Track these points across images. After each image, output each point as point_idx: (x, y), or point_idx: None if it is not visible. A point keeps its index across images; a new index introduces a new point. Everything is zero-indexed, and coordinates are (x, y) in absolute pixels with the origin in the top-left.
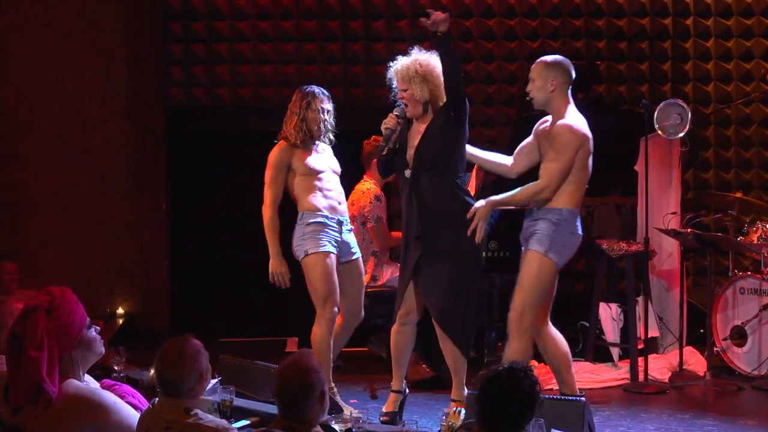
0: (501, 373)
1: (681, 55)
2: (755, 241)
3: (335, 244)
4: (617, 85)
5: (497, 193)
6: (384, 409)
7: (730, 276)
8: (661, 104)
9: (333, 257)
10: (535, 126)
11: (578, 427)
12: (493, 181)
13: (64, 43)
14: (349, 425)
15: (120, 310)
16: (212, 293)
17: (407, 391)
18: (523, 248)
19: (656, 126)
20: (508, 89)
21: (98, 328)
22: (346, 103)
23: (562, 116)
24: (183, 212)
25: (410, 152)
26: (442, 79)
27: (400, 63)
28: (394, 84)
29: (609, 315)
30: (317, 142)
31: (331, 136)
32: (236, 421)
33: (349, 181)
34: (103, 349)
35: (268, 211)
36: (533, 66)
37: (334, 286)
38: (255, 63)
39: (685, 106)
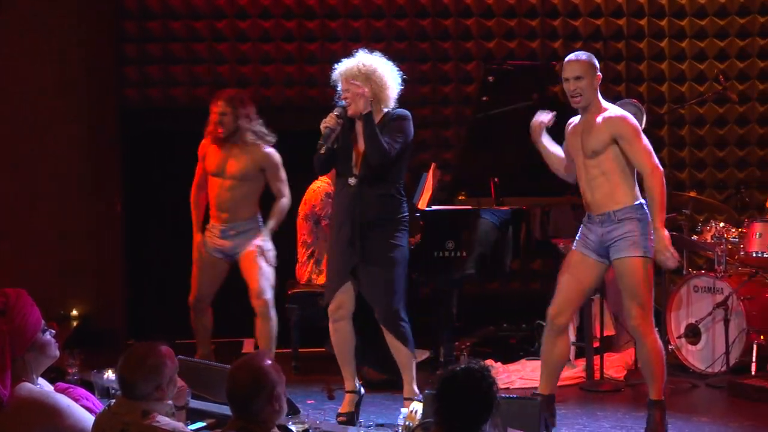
0: (458, 373)
1: (635, 56)
2: (709, 240)
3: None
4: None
5: (453, 193)
6: (340, 410)
7: (684, 275)
8: (616, 104)
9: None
10: (568, 130)
11: (535, 425)
12: (450, 181)
13: (17, 43)
14: (306, 426)
15: (74, 312)
16: (168, 294)
17: (362, 390)
18: (604, 256)
19: None
20: (464, 89)
21: (53, 331)
22: (303, 103)
23: (602, 108)
24: (139, 213)
25: (355, 159)
26: (386, 81)
27: (344, 64)
28: (339, 86)
29: None
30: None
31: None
32: (192, 423)
33: (308, 180)
34: (57, 353)
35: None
36: (573, 65)
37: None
38: (211, 63)
39: (640, 106)
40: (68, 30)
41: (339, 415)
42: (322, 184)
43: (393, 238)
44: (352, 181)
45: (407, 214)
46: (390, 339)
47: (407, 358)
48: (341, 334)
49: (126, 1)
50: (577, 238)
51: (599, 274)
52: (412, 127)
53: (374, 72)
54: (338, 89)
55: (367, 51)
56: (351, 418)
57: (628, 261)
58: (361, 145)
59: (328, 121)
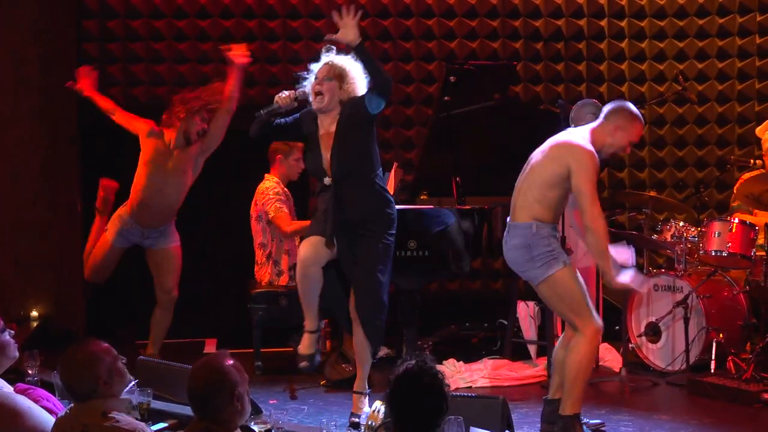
0: (408, 372)
1: (596, 56)
2: (669, 239)
3: None
4: (534, 86)
5: (416, 193)
6: (300, 351)
7: (644, 273)
8: (577, 104)
9: None
10: None
11: (497, 424)
12: (412, 181)
13: None
14: (269, 426)
15: (34, 313)
16: (129, 294)
17: (322, 327)
18: None
19: (572, 125)
20: (426, 89)
21: (12, 332)
22: (265, 103)
23: None
24: None
25: (326, 157)
26: (354, 85)
27: (332, 58)
28: (314, 73)
29: (527, 313)
30: None
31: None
32: (154, 423)
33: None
34: (16, 354)
35: None
36: None
37: None
38: (171, 62)
39: (600, 106)
40: (27, 30)
41: (301, 358)
42: (270, 184)
43: (381, 237)
44: (327, 180)
45: (392, 204)
46: (360, 335)
47: (369, 356)
48: (310, 277)
49: (87, 1)
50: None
51: None
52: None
53: (349, 73)
54: (307, 79)
55: (333, 52)
56: (311, 360)
57: None
58: (328, 144)
59: (283, 100)
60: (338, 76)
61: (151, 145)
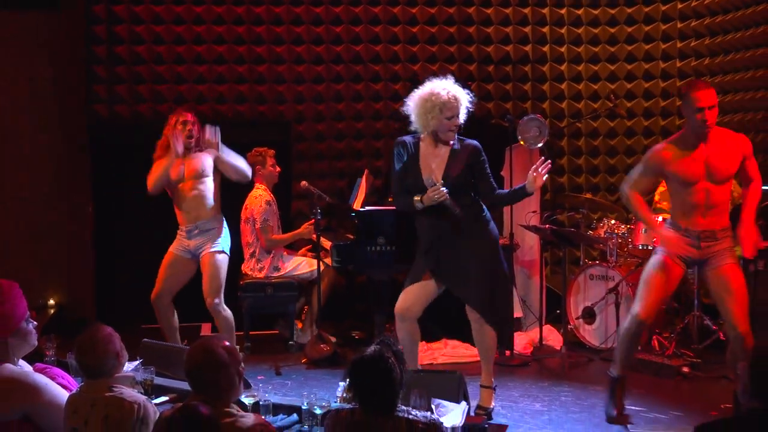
0: (364, 358)
1: (539, 77)
2: (602, 235)
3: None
4: (486, 103)
5: (384, 196)
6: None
7: (581, 265)
8: (523, 119)
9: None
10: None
11: (455, 396)
12: (381, 185)
13: None
14: (257, 399)
15: (51, 302)
16: (133, 285)
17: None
18: (711, 264)
19: (519, 137)
20: (393, 105)
21: (35, 323)
22: (253, 118)
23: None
24: (107, 214)
25: (436, 176)
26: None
27: (457, 90)
28: (441, 109)
29: None
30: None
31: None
32: (156, 397)
33: (243, 188)
34: (36, 342)
35: None
36: (711, 94)
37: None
38: (172, 83)
39: (543, 120)
40: (42, 54)
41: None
42: (261, 192)
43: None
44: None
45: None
46: (480, 335)
47: (489, 352)
48: (406, 331)
49: (96, 29)
50: None
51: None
52: (395, 153)
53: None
54: (448, 114)
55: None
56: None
57: (731, 265)
58: (432, 165)
59: (442, 195)
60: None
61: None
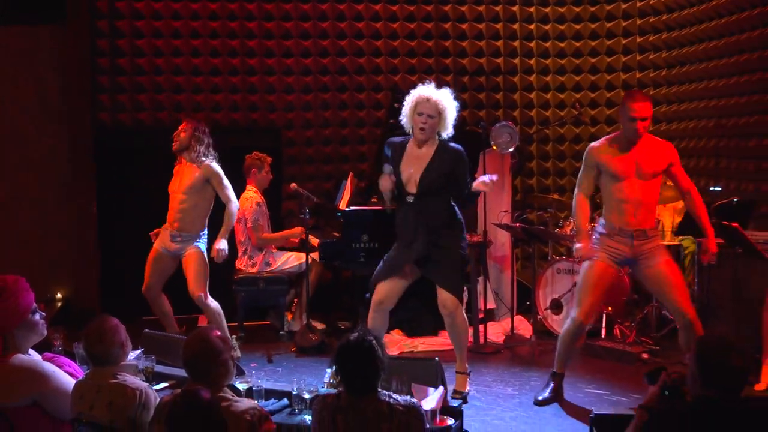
0: (348, 344)
1: (510, 87)
2: (568, 233)
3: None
4: (461, 111)
5: (368, 197)
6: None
7: (549, 260)
8: (496, 126)
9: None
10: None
11: (434, 381)
12: (364, 187)
13: (6, 72)
14: (250, 384)
15: (58, 295)
16: (135, 279)
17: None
18: (645, 263)
19: (491, 143)
20: (375, 114)
21: (43, 314)
22: (247, 125)
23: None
24: (110, 213)
25: (415, 176)
26: (449, 120)
27: (433, 92)
28: (415, 107)
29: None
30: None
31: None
32: (157, 383)
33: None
34: (45, 332)
35: None
36: (647, 107)
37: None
38: (170, 92)
39: (514, 127)
40: (49, 63)
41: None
42: (252, 194)
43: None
44: (410, 198)
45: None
46: (451, 326)
47: (462, 341)
48: (378, 321)
49: (100, 42)
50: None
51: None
52: (384, 152)
53: (447, 110)
54: (407, 107)
55: (431, 84)
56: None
57: (668, 262)
58: (413, 166)
59: (386, 185)
60: (441, 113)
61: None
